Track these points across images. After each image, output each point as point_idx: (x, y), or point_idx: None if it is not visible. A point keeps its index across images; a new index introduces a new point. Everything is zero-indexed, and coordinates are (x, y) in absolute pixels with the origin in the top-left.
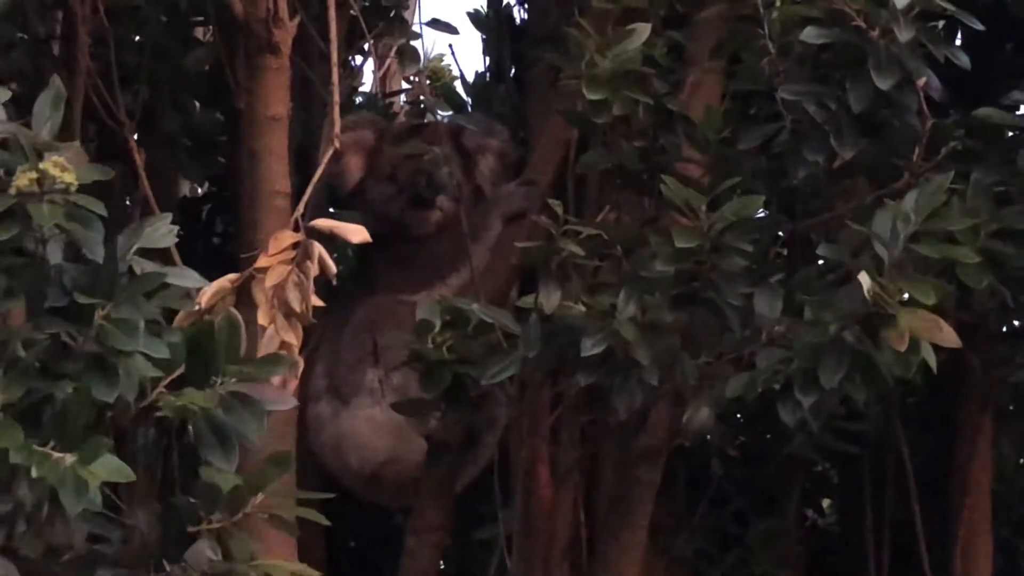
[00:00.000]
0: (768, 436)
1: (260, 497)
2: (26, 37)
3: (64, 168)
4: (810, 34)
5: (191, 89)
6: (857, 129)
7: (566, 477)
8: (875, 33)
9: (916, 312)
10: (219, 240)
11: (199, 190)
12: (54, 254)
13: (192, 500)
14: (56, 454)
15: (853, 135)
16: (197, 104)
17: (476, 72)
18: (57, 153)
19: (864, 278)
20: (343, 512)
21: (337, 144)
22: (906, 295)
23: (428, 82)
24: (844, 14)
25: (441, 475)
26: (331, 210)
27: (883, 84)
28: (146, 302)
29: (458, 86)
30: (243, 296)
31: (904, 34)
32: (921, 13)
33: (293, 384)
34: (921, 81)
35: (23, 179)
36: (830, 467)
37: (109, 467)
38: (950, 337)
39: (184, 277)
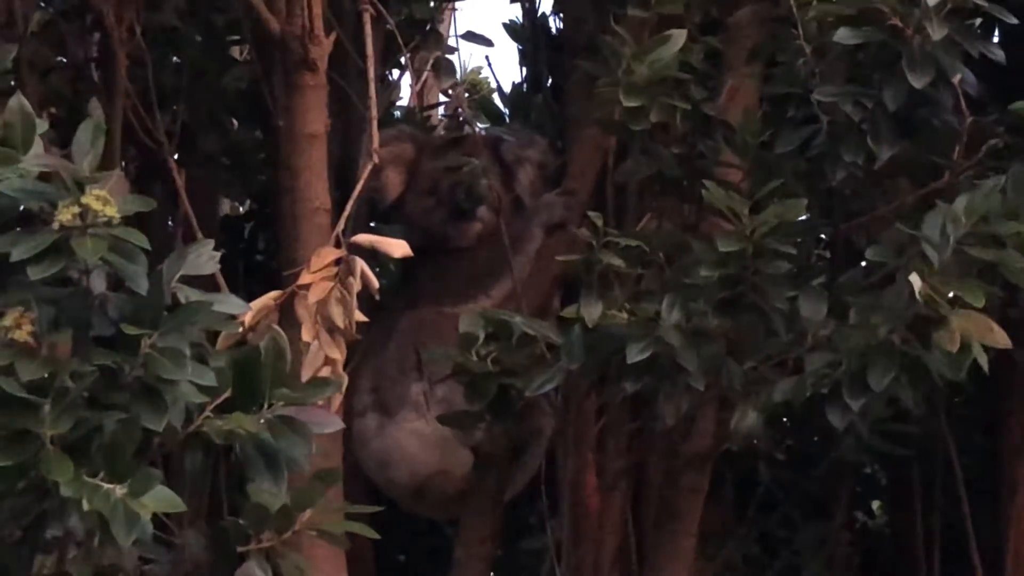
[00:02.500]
0: (815, 439)
1: (308, 513)
2: (64, 61)
3: (106, 201)
4: (843, 35)
5: (229, 108)
6: (895, 129)
7: (613, 485)
8: (909, 32)
9: (967, 314)
10: (261, 257)
11: (240, 208)
12: (98, 284)
13: (240, 521)
14: (106, 485)
15: (891, 135)
16: (235, 123)
17: (513, 83)
18: (99, 185)
19: (915, 279)
20: (391, 526)
21: (376, 159)
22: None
23: (466, 95)
24: (879, 13)
25: (488, 486)
26: (371, 225)
27: (917, 82)
28: (191, 329)
29: (495, 98)
30: (286, 313)
31: (937, 32)
32: (955, 10)
33: (338, 400)
34: (956, 78)
35: (65, 214)
36: (878, 469)
37: (160, 498)
38: (1001, 339)
39: (228, 303)
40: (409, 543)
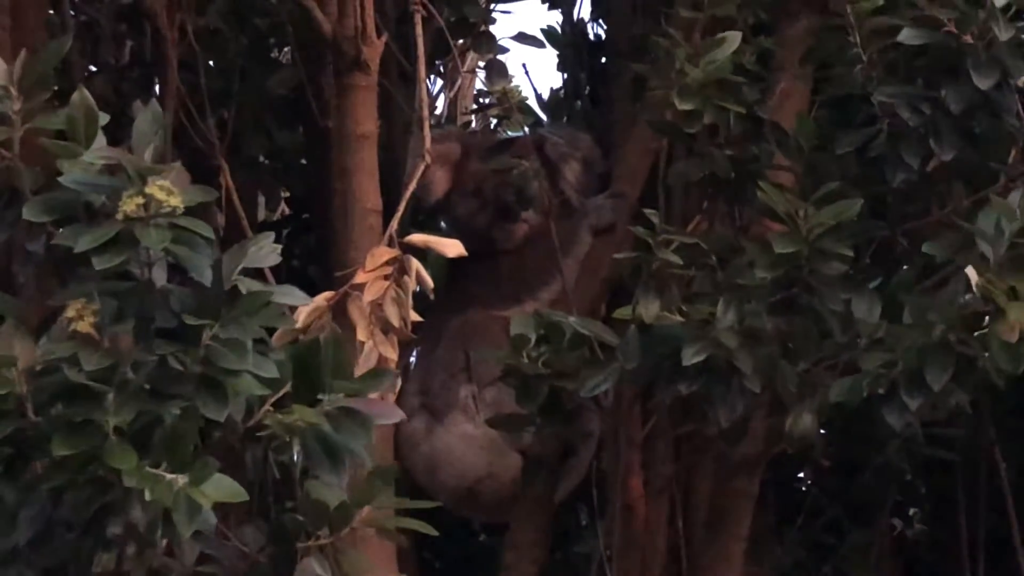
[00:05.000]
0: (859, 446)
1: (365, 511)
2: (95, 68)
3: (170, 192)
4: (907, 36)
5: (273, 112)
6: (956, 131)
7: (662, 489)
8: (968, 37)
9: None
10: (297, 263)
11: (273, 215)
12: (160, 277)
13: (299, 517)
14: (168, 476)
15: (952, 137)
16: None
17: (550, 89)
18: (160, 176)
19: (971, 272)
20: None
21: (428, 159)
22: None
23: (498, 103)
24: (934, 20)
25: (537, 490)
26: (411, 228)
27: (983, 84)
28: (251, 321)
29: (531, 104)
30: (337, 314)
31: (1004, 33)
32: (1020, 11)
33: (391, 400)
34: (1021, 80)
35: (130, 204)
36: (917, 477)
37: (220, 488)
38: None
39: (289, 295)
40: (445, 550)
